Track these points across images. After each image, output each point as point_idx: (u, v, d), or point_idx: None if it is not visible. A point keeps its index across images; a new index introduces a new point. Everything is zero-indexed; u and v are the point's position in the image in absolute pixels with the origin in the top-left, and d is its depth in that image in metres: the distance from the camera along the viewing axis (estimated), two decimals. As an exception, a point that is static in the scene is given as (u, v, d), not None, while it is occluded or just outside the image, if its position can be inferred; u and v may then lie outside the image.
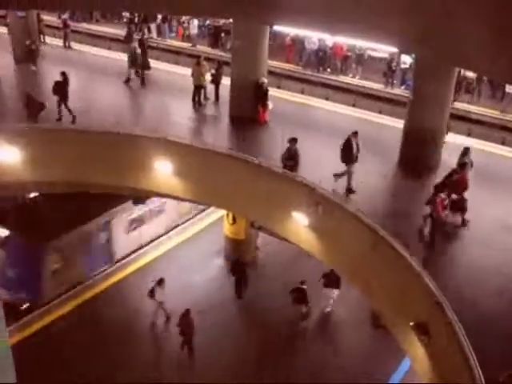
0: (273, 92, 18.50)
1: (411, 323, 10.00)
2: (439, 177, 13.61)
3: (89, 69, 20.71)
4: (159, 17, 26.74)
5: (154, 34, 26.80)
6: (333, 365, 16.63)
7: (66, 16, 26.06)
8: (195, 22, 25.90)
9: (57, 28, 26.08)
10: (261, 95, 17.46)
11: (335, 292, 18.24)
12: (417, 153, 15.04)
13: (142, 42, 22.04)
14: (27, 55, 21.36)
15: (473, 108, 19.86)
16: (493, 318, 10.12)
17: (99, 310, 18.19)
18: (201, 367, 16.22)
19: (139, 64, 20.50)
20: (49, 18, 26.82)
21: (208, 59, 20.44)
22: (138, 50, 20.94)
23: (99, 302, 18.66)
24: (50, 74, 20.55)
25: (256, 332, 17.70)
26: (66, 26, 24.67)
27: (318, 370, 16.20)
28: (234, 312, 18.64)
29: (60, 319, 17.67)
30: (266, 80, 17.77)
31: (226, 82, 18.36)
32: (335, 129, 17.53)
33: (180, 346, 16.57)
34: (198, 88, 18.61)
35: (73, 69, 21.22)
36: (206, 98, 18.99)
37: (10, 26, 23.08)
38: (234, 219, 20.50)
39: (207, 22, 26.56)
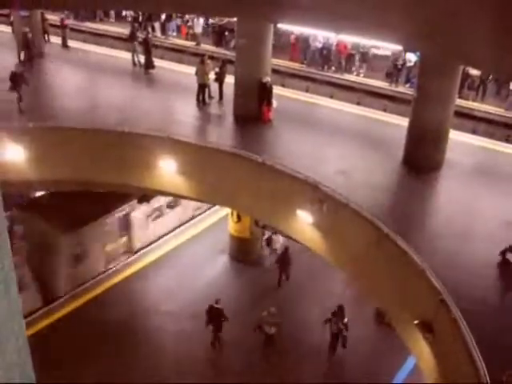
0: (277, 90, 18.49)
1: (415, 321, 9.99)
2: (442, 175, 13.56)
3: (92, 67, 20.70)
4: (163, 15, 26.77)
5: (158, 33, 26.83)
6: (335, 363, 16.64)
7: (63, 15, 26.00)
8: (200, 20, 25.91)
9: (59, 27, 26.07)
10: (265, 94, 17.44)
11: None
12: (421, 150, 15.01)
13: (146, 41, 22.04)
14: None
15: (476, 105, 19.83)
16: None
17: (103, 309, 18.25)
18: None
19: (31, 49, 20.04)
20: (53, 17, 26.83)
21: (212, 58, 20.44)
22: (30, 35, 20.35)
23: (101, 301, 18.74)
24: (53, 73, 20.66)
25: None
26: (63, 25, 24.65)
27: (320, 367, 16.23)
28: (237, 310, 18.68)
29: (61, 319, 17.79)
30: (269, 78, 17.77)
31: (229, 80, 18.37)
32: (339, 127, 17.53)
33: (278, 277, 19.72)
34: (202, 86, 18.58)
35: (76, 67, 21.31)
36: (210, 96, 18.96)
37: (14, 26, 23.12)
38: (239, 217, 20.53)
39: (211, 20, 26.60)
